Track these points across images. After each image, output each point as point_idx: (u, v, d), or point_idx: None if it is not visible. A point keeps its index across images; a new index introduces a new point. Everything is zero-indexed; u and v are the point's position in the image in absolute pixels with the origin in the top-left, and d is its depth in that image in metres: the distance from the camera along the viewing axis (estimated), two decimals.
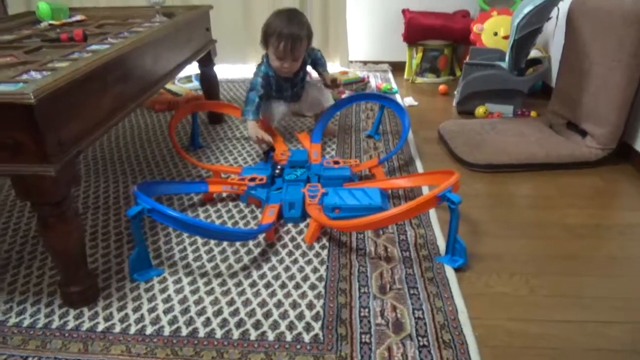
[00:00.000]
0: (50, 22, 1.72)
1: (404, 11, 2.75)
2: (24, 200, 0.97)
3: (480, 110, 2.14)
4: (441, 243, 1.24)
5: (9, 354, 0.94)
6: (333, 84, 1.89)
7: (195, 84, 2.59)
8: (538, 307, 1.06)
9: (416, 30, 2.62)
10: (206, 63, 2.00)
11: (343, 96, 2.26)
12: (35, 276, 1.17)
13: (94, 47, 1.32)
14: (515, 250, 1.25)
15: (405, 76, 2.81)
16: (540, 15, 1.91)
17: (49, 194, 0.92)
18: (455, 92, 2.29)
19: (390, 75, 2.81)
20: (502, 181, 1.60)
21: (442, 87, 2.54)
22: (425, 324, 0.99)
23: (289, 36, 1.62)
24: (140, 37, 1.34)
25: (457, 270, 1.15)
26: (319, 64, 1.89)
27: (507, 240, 1.29)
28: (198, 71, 2.08)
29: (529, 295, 1.09)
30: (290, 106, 1.87)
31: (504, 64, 2.09)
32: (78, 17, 1.81)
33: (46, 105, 0.87)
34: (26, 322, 1.02)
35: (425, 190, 1.50)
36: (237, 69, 2.94)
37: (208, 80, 2.06)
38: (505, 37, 2.39)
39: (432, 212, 1.38)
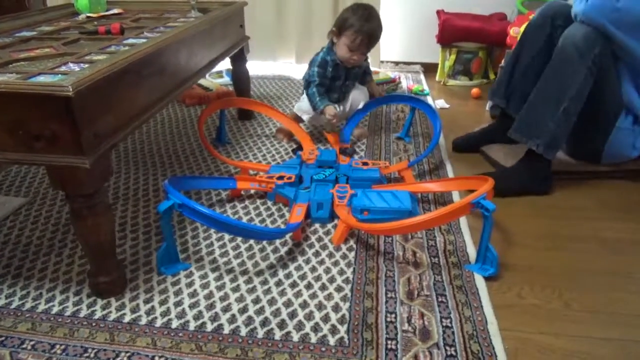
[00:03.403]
0: (88, 14, 1.75)
1: (438, 12, 2.71)
2: (58, 189, 0.98)
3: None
4: (471, 250, 1.21)
5: (37, 340, 0.96)
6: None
7: (226, 79, 2.60)
8: (572, 322, 1.02)
9: (451, 32, 2.57)
10: (239, 59, 2.01)
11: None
12: (65, 264, 1.18)
13: (130, 40, 1.34)
14: (548, 262, 1.21)
15: (437, 78, 2.77)
16: None
17: (82, 185, 0.93)
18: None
19: (422, 77, 2.78)
20: None
21: (474, 91, 2.49)
22: (453, 333, 0.96)
23: (368, 33, 1.68)
24: (177, 32, 1.35)
25: (487, 279, 1.12)
26: (367, 72, 1.98)
27: (540, 251, 1.25)
28: (229, 66, 2.08)
29: (563, 309, 1.05)
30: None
31: None
32: (115, 10, 1.84)
33: (83, 98, 0.88)
34: (55, 310, 1.04)
35: (455, 196, 1.47)
36: (267, 66, 2.95)
37: (240, 76, 2.06)
38: None
39: (462, 218, 1.35)
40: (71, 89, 0.85)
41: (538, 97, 1.49)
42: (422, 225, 1.18)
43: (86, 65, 1.05)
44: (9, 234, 1.31)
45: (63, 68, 1.06)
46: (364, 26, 1.67)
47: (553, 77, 1.45)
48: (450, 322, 0.99)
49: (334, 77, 1.80)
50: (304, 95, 1.85)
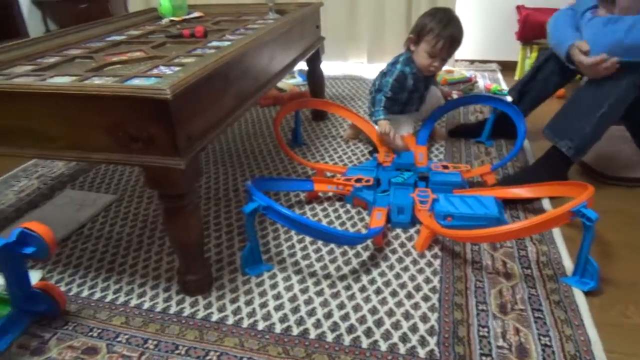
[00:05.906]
0: (171, 18, 1.81)
1: (518, 7, 2.59)
2: (153, 189, 1.01)
3: None
4: (567, 263, 1.13)
5: (131, 334, 1.00)
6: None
7: (299, 79, 2.61)
8: None
9: (533, 28, 2.44)
10: (314, 60, 2.00)
11: (452, 97, 2.17)
12: (154, 261, 1.22)
13: (215, 43, 1.36)
14: None
15: (516, 77, 2.64)
16: None
17: (177, 185, 0.95)
18: None
19: (499, 76, 2.66)
20: (637, 198, 1.43)
21: (559, 90, 2.34)
22: (553, 352, 0.90)
23: (448, 38, 1.62)
24: (259, 34, 1.36)
25: (587, 295, 1.04)
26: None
27: None
28: (302, 67, 2.08)
29: None
30: (414, 116, 1.85)
31: None
32: (196, 14, 1.89)
33: (179, 101, 0.90)
34: (146, 305, 1.08)
35: (545, 203, 1.39)
36: (337, 66, 2.94)
37: (315, 77, 2.06)
38: None
39: (555, 228, 1.26)
40: (169, 92, 0.86)
41: (578, 98, 1.46)
42: (515, 234, 1.11)
43: (177, 69, 1.07)
44: (102, 229, 1.37)
45: (155, 71, 1.09)
46: (444, 30, 1.61)
47: (596, 81, 1.42)
48: (550, 341, 0.92)
49: (414, 89, 1.75)
50: None
